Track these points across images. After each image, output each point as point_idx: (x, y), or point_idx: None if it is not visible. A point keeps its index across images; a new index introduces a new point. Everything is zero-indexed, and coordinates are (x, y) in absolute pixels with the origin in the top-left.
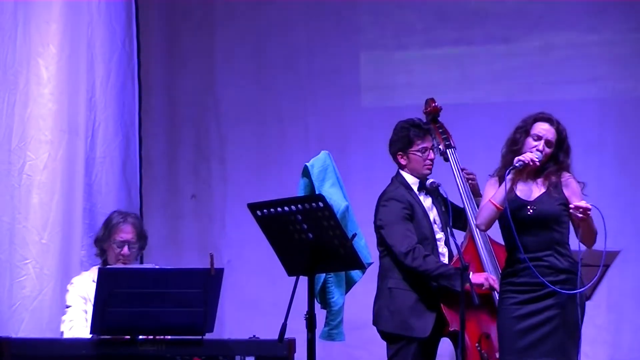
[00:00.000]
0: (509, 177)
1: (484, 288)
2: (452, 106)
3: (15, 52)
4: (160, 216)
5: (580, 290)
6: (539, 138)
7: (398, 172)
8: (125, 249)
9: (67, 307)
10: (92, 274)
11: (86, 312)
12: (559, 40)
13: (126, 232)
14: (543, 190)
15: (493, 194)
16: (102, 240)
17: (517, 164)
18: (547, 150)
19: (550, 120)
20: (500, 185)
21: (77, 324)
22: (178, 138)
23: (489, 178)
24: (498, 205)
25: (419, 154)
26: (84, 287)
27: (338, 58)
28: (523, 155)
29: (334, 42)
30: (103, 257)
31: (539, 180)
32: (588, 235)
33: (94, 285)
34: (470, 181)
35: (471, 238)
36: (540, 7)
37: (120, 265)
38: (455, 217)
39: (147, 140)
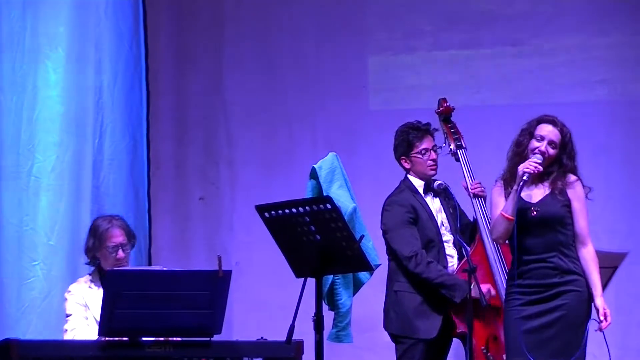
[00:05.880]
0: (521, 188)
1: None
2: (459, 108)
3: (24, 55)
4: (168, 218)
5: None
6: (541, 139)
7: (405, 176)
8: (120, 253)
9: (68, 316)
10: (87, 281)
11: (87, 318)
12: (567, 43)
13: (116, 236)
14: (547, 192)
15: (502, 204)
16: (94, 249)
17: (525, 178)
18: (551, 151)
19: (554, 122)
20: (506, 192)
21: (79, 332)
22: (186, 140)
23: (495, 183)
24: (509, 217)
25: (420, 156)
26: (81, 294)
27: (346, 60)
28: (526, 164)
29: (343, 44)
30: (95, 264)
31: (544, 183)
32: None
33: (91, 291)
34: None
35: (480, 239)
36: (548, 9)
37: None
38: (463, 228)
39: (155, 142)
